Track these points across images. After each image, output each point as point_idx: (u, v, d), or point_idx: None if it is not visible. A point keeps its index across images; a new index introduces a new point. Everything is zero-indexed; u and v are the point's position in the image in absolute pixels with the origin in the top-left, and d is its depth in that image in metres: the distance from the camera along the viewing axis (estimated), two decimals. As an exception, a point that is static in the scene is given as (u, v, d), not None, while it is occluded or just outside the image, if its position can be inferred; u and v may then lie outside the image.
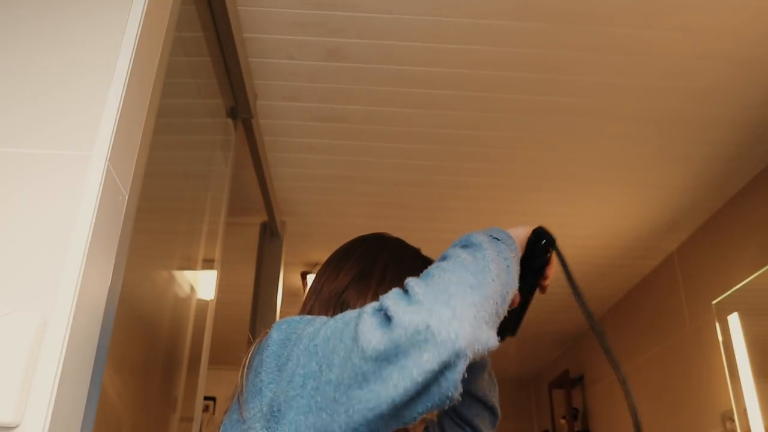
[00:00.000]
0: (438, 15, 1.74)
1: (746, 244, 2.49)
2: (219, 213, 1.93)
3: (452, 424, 1.09)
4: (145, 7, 0.95)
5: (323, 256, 3.50)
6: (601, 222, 2.84)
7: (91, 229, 0.80)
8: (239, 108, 1.95)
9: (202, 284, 1.88)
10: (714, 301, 2.66)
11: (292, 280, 3.43)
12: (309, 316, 0.77)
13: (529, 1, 1.68)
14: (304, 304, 0.97)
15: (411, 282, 0.67)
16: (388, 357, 0.60)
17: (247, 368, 0.76)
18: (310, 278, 3.35)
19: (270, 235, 2.79)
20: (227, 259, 1.99)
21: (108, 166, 0.84)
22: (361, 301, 0.91)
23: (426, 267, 0.93)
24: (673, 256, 3.10)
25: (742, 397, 2.42)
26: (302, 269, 3.34)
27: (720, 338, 2.60)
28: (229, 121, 1.98)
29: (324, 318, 0.73)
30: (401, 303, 0.63)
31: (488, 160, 2.39)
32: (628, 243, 3.02)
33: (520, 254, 0.84)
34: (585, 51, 1.85)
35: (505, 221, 3.10)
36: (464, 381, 0.82)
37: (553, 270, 0.95)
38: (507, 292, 0.73)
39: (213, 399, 4.81)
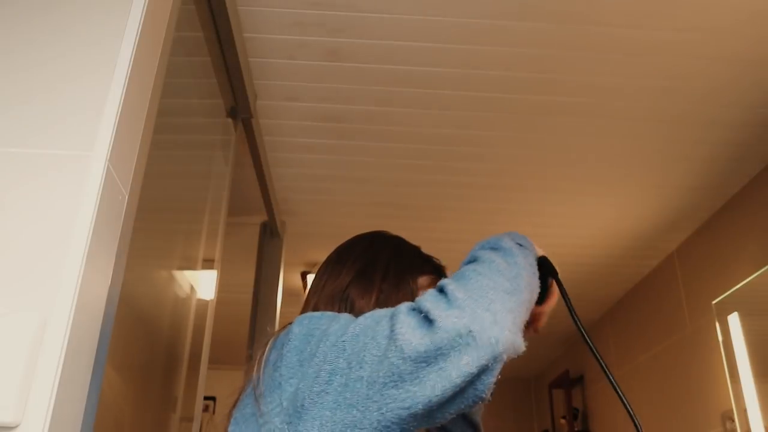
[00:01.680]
0: (438, 15, 1.74)
1: (746, 244, 2.49)
2: (219, 213, 1.93)
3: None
4: (145, 7, 0.95)
5: (323, 256, 3.48)
6: (601, 222, 2.84)
7: (91, 229, 0.80)
8: (239, 108, 1.95)
9: (202, 284, 1.88)
10: (714, 301, 2.66)
11: (292, 280, 3.43)
12: (331, 313, 0.77)
13: (529, 1, 1.68)
14: (307, 301, 0.97)
15: (448, 284, 0.68)
16: (427, 359, 0.61)
17: (264, 362, 0.75)
18: (310, 278, 3.34)
19: (270, 235, 2.79)
20: (227, 259, 1.99)
21: (108, 166, 0.84)
22: (366, 297, 0.91)
23: (427, 264, 0.93)
24: (673, 256, 3.10)
25: (742, 397, 2.42)
26: (302, 269, 3.34)
27: (720, 338, 2.60)
28: (229, 121, 1.98)
29: (349, 315, 0.73)
30: (442, 305, 0.64)
31: (488, 160, 2.39)
32: (628, 243, 3.02)
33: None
34: (585, 51, 1.85)
35: (505, 221, 3.11)
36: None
37: (550, 305, 0.94)
38: (534, 299, 0.75)
39: (213, 399, 4.80)
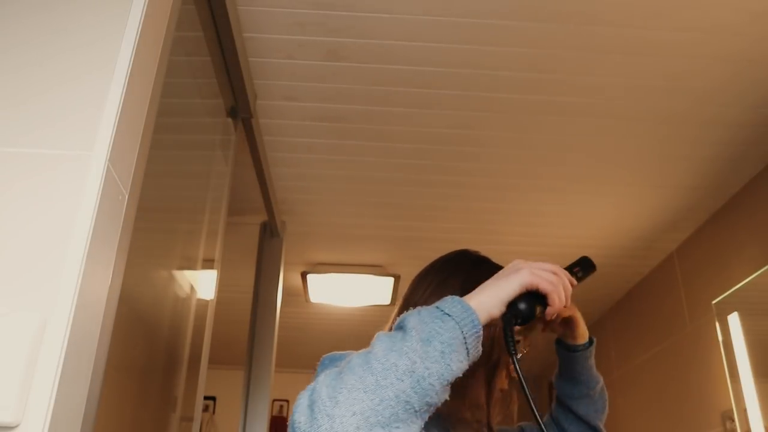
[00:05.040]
0: (438, 15, 1.74)
1: (746, 244, 2.49)
2: (219, 213, 1.93)
3: None
4: (145, 7, 0.95)
5: (323, 256, 3.50)
6: (601, 222, 2.84)
7: (91, 229, 0.80)
8: (239, 108, 1.95)
9: (202, 284, 1.88)
10: (714, 301, 2.65)
11: (292, 280, 3.43)
12: (339, 355, 0.86)
13: (529, 1, 1.68)
14: (400, 314, 1.01)
15: (320, 380, 0.73)
16: None
17: None
18: (310, 278, 3.35)
19: (270, 235, 2.78)
20: (227, 259, 1.99)
21: (108, 166, 0.84)
22: None
23: None
24: (673, 256, 3.10)
25: (742, 397, 2.42)
26: (302, 269, 3.34)
27: (720, 338, 2.60)
28: (229, 120, 1.98)
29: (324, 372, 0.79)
30: (304, 406, 0.71)
31: (488, 160, 2.39)
32: (628, 243, 3.02)
33: (479, 329, 0.77)
34: (585, 51, 1.85)
35: (504, 221, 3.11)
36: (567, 397, 1.01)
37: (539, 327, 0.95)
38: (431, 383, 0.72)
39: (213, 399, 4.81)
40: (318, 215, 2.83)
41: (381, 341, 0.75)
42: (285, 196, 2.68)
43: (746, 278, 2.45)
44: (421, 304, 1.01)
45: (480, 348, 0.78)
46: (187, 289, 1.82)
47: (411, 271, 1.14)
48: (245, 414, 2.47)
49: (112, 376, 0.98)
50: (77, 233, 0.79)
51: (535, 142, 2.28)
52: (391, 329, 1.00)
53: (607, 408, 1.17)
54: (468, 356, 0.76)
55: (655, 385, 3.23)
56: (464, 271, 1.05)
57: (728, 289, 2.57)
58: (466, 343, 0.75)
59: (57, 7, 0.94)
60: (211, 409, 4.82)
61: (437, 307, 0.78)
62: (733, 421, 2.48)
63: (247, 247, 2.75)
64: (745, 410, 2.40)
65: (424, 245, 2.99)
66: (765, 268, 2.34)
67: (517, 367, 0.84)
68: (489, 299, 0.81)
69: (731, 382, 2.51)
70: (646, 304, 3.40)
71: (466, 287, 1.01)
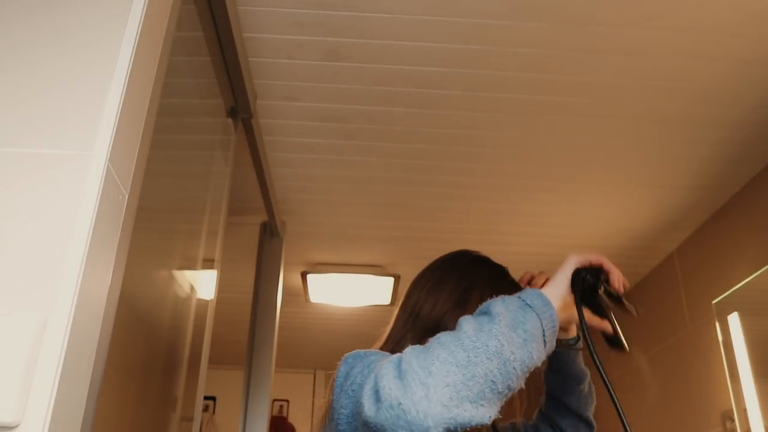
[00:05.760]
0: (438, 15, 1.74)
1: (746, 244, 2.49)
2: (219, 213, 1.93)
3: (549, 430, 1.18)
4: (145, 7, 0.95)
5: (323, 256, 3.50)
6: (601, 222, 2.84)
7: (91, 229, 0.80)
8: (239, 108, 1.95)
9: (202, 284, 1.88)
10: (714, 301, 2.65)
11: (292, 280, 3.43)
12: (364, 353, 0.88)
13: (529, 1, 1.68)
14: (398, 326, 1.04)
15: (408, 352, 0.74)
16: (375, 428, 0.70)
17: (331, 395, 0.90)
18: (310, 278, 3.35)
19: (270, 235, 2.78)
20: (227, 259, 1.99)
21: (108, 166, 0.84)
22: None
23: (513, 289, 0.97)
24: (673, 256, 3.10)
25: (742, 397, 2.42)
26: (302, 269, 3.34)
27: (720, 338, 2.60)
28: (229, 120, 1.98)
29: (361, 364, 0.84)
30: (391, 376, 0.71)
31: (488, 160, 2.39)
32: (628, 243, 3.02)
33: (557, 324, 0.83)
34: (585, 51, 1.85)
35: (504, 221, 3.10)
36: (558, 392, 1.04)
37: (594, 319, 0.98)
38: (515, 367, 0.74)
39: (213, 399, 4.81)
40: (318, 215, 2.83)
41: (469, 322, 0.77)
42: (285, 196, 2.68)
43: (746, 278, 2.45)
44: (421, 305, 1.03)
45: (554, 343, 0.81)
46: (187, 289, 1.82)
47: (411, 271, 1.14)
48: (245, 414, 2.47)
49: (112, 376, 0.98)
50: (77, 233, 0.79)
51: (535, 142, 2.28)
52: (389, 336, 1.03)
53: (595, 399, 1.19)
54: (545, 348, 0.79)
55: (655, 385, 3.23)
56: (460, 270, 1.06)
57: (728, 289, 2.57)
58: (544, 335, 0.79)
59: (57, 7, 0.94)
60: (211, 409, 4.82)
61: (520, 297, 0.81)
62: (733, 421, 2.48)
63: (247, 247, 2.75)
64: (745, 410, 2.40)
65: (424, 245, 2.99)
66: (765, 268, 2.34)
67: (590, 343, 0.91)
68: (556, 289, 0.88)
69: (731, 382, 2.51)
70: (646, 304, 3.40)
71: (461, 286, 1.02)
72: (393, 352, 0.98)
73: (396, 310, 1.07)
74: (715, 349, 2.64)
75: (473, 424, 0.70)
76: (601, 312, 0.94)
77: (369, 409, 0.70)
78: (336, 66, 1.93)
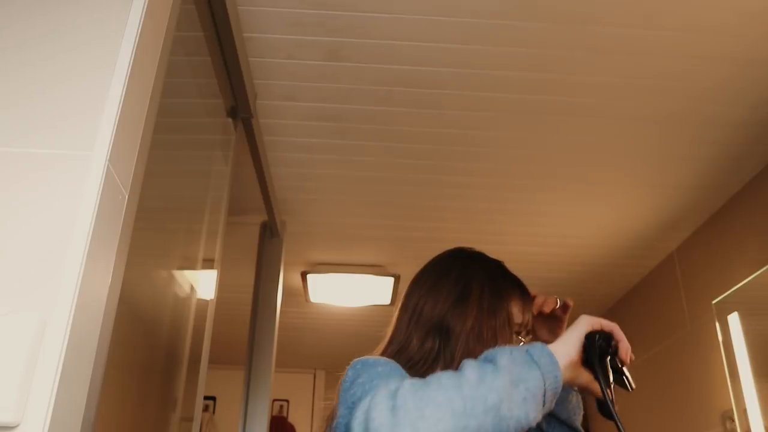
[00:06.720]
0: (438, 15, 1.74)
1: (746, 244, 2.49)
2: (219, 213, 1.93)
3: None
4: (145, 7, 0.95)
5: (323, 256, 3.49)
6: (601, 222, 2.84)
7: (91, 229, 0.80)
8: (239, 107, 1.95)
9: (202, 284, 1.88)
10: (714, 301, 2.65)
11: (292, 280, 3.43)
12: (373, 361, 0.89)
13: (529, 1, 1.68)
14: (401, 327, 1.04)
15: (406, 386, 0.73)
16: None
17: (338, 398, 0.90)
18: (310, 278, 3.35)
19: (270, 235, 2.78)
20: (227, 259, 1.99)
21: (108, 166, 0.84)
22: (461, 322, 0.99)
23: (514, 288, 1.02)
24: (673, 256, 3.10)
25: (742, 397, 2.42)
26: (302, 269, 3.34)
27: (720, 338, 2.60)
28: (229, 120, 1.98)
29: (367, 375, 0.85)
30: (383, 407, 0.71)
31: (488, 160, 2.39)
32: (628, 243, 3.02)
33: (559, 386, 0.81)
34: (585, 51, 1.85)
35: (504, 221, 3.10)
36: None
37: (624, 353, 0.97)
38: (509, 425, 0.73)
39: (213, 399, 4.81)
40: (318, 215, 2.83)
41: (472, 369, 0.76)
42: (285, 196, 2.68)
43: (746, 278, 2.45)
44: (422, 305, 1.03)
45: (553, 404, 0.80)
46: (187, 289, 1.82)
47: (411, 271, 1.14)
48: (245, 414, 2.47)
49: (112, 375, 0.98)
50: (77, 233, 0.79)
51: (535, 142, 2.28)
52: (392, 338, 1.03)
53: (582, 410, 1.19)
54: (543, 408, 0.78)
55: (655, 385, 3.23)
56: (457, 268, 1.07)
57: (728, 289, 2.57)
58: (544, 395, 0.77)
59: (57, 7, 0.94)
60: (211, 409, 4.82)
61: (528, 352, 0.80)
62: (733, 421, 2.48)
63: (247, 247, 2.74)
64: (745, 410, 2.40)
65: (424, 245, 2.99)
66: (765, 268, 2.34)
67: (609, 397, 0.91)
68: (566, 347, 0.86)
69: (731, 382, 2.51)
70: (646, 304, 3.40)
71: (460, 283, 1.03)
72: (399, 354, 0.99)
73: (396, 311, 1.08)
74: (715, 349, 2.64)
75: None
76: (598, 378, 0.91)
77: None
78: (336, 66, 1.93)
